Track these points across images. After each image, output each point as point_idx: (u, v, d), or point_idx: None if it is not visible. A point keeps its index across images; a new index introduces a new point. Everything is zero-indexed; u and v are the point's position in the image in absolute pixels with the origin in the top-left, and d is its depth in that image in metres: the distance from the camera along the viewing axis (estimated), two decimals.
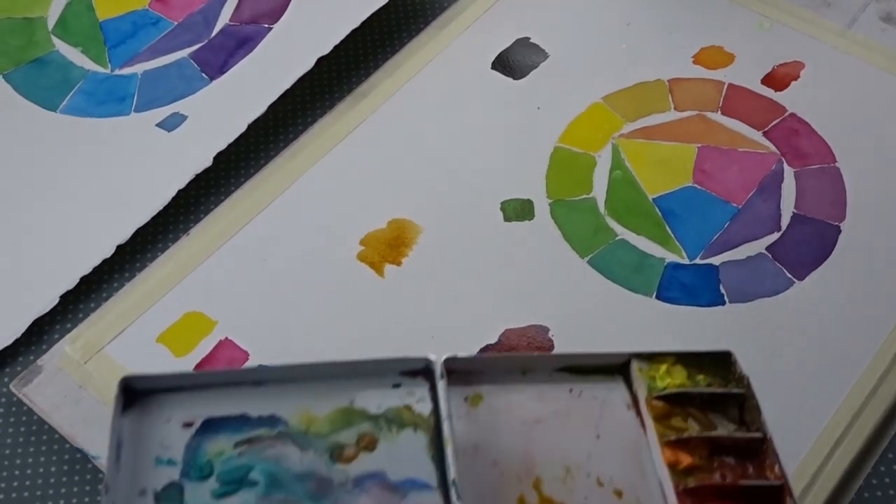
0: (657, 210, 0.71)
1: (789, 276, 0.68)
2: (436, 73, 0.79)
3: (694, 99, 0.77)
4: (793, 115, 0.77)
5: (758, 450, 0.53)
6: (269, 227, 0.71)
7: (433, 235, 0.70)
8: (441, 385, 0.52)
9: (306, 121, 0.78)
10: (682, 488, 0.51)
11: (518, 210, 0.71)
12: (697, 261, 0.69)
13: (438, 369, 0.52)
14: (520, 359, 0.56)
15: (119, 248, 0.69)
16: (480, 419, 0.53)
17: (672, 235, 0.70)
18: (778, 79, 0.78)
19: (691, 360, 0.55)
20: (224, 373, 0.55)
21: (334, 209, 0.72)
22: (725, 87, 0.78)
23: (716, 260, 0.69)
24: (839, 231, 0.70)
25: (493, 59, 0.80)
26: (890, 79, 0.77)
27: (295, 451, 0.50)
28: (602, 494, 0.52)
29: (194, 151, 0.72)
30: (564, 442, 0.53)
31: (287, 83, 0.75)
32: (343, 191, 0.72)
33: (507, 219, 0.71)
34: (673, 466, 0.52)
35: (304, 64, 0.76)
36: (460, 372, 0.54)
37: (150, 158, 0.73)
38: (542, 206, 0.71)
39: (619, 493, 0.52)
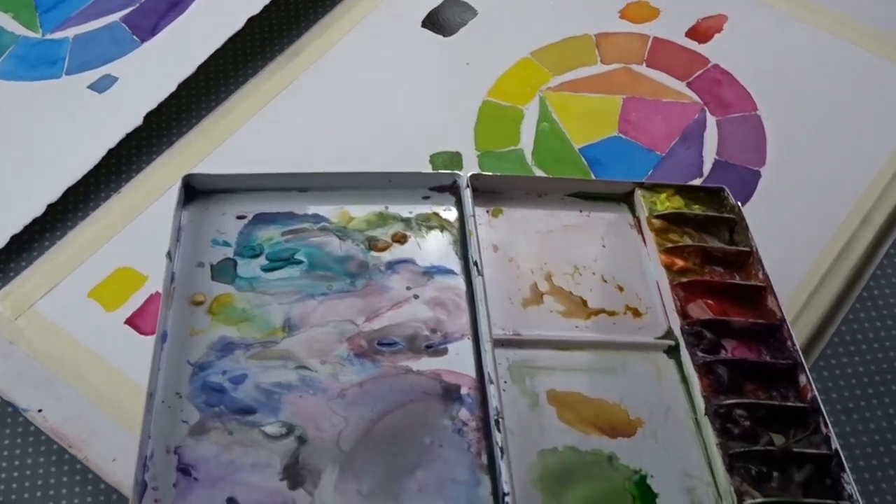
0: (583, 160, 0.73)
1: None
2: (367, 32, 0.80)
3: (620, 52, 0.79)
4: (716, 66, 0.79)
5: (745, 263, 0.58)
6: None
7: None
8: (467, 194, 0.59)
9: (238, 80, 0.78)
10: (676, 283, 0.56)
11: (447, 162, 0.72)
12: None
13: (464, 183, 0.59)
14: (537, 180, 0.64)
15: (50, 207, 0.69)
16: (500, 226, 0.60)
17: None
18: (701, 31, 0.81)
19: (689, 192, 0.62)
20: (274, 176, 0.60)
21: (265, 167, 0.72)
22: (650, 40, 0.80)
23: None
24: (759, 176, 0.72)
25: (423, 17, 0.82)
26: (809, 29, 0.79)
27: (335, 241, 0.58)
28: (605, 288, 0.58)
29: (125, 112, 0.73)
30: (573, 248, 0.59)
31: (217, 43, 0.76)
32: (274, 149, 0.73)
33: (435, 169, 0.72)
34: (669, 267, 0.58)
35: (234, 24, 0.77)
36: (483, 190, 0.61)
37: (82, 119, 0.74)
38: (470, 158, 0.73)
39: (620, 288, 0.58)
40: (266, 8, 0.79)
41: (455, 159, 0.72)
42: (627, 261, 0.59)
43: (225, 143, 0.73)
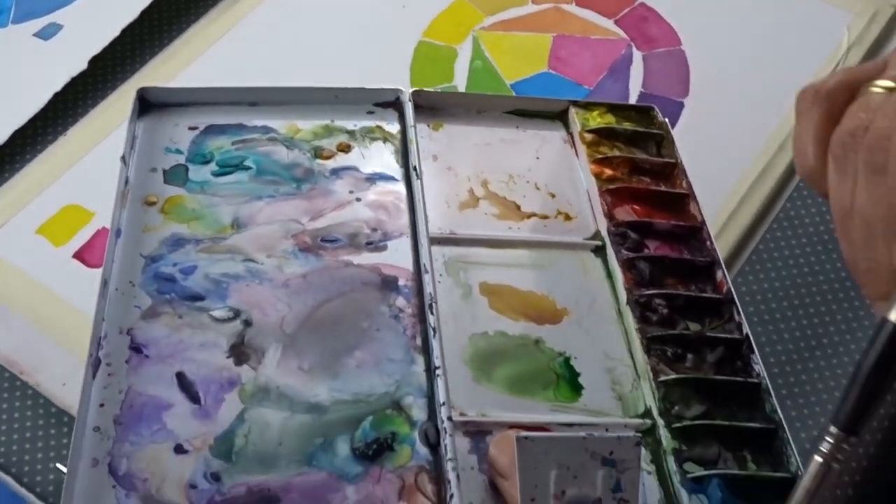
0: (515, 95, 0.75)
1: None
2: None
3: None
4: (642, 3, 0.82)
5: (671, 174, 0.63)
6: None
7: None
8: (409, 108, 0.63)
9: (180, 26, 0.80)
10: (605, 189, 0.60)
11: None
12: None
13: (407, 97, 0.63)
14: (476, 97, 0.67)
15: None
16: (440, 139, 0.64)
17: None
18: None
19: (620, 110, 0.66)
20: (226, 90, 0.64)
21: None
22: None
23: None
24: (683, 106, 0.75)
25: None
26: None
27: (283, 150, 0.62)
28: (538, 194, 0.62)
29: (70, 58, 0.75)
30: (509, 159, 0.63)
31: None
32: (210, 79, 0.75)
33: None
34: (598, 176, 0.62)
35: None
36: (425, 107, 0.65)
37: (28, 66, 0.76)
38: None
39: (552, 195, 0.62)
40: None
41: None
42: (560, 171, 0.63)
43: (167, 86, 0.75)
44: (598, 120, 0.65)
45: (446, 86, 0.75)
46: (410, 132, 0.62)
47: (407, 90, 0.64)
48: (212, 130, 0.63)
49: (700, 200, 0.61)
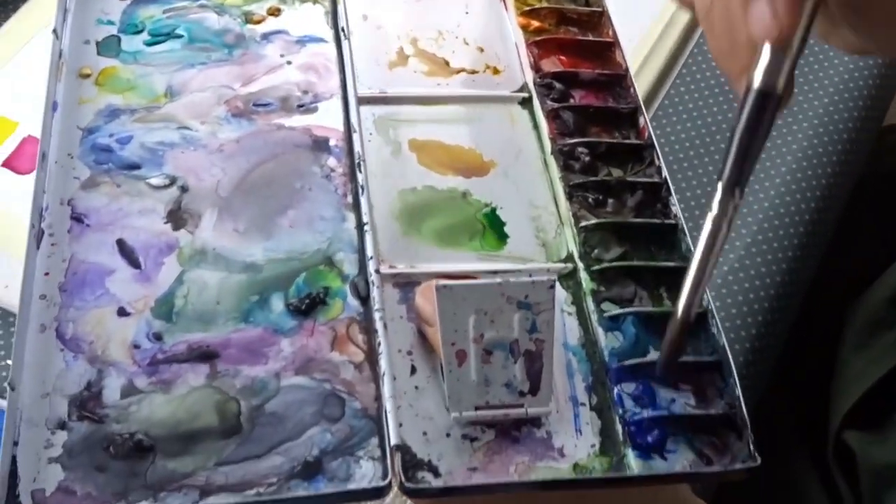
0: None
1: None
2: None
3: None
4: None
5: (597, 23, 0.66)
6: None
7: None
8: None
9: None
10: (532, 41, 0.64)
11: None
12: None
13: None
14: None
15: None
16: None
17: None
18: None
19: None
20: None
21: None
22: None
23: None
24: None
25: None
26: None
27: (213, 16, 0.65)
28: (467, 50, 0.65)
29: None
30: (439, 15, 0.67)
31: None
32: None
33: None
34: (525, 28, 0.65)
35: None
36: None
37: None
38: None
39: (481, 49, 0.66)
40: None
41: None
42: (489, 25, 0.66)
43: None
44: None
45: None
46: None
47: None
48: (142, 0, 0.65)
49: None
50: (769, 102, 0.41)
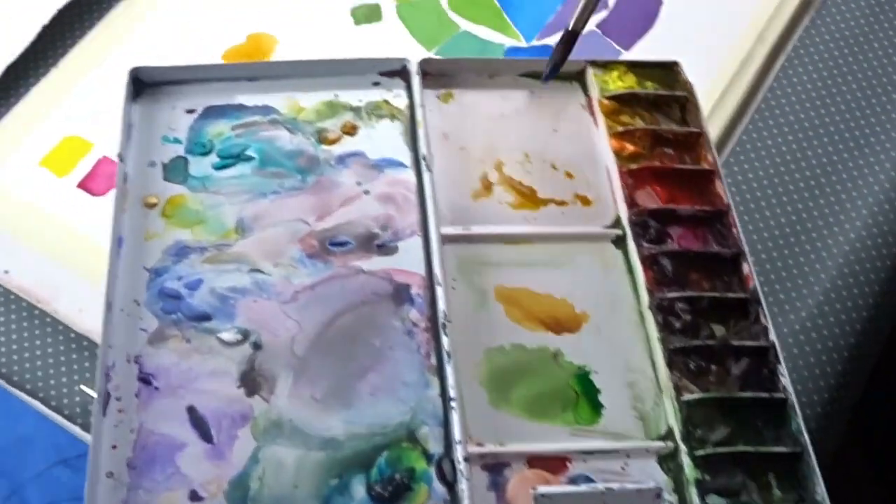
0: (495, 0, 0.77)
1: (617, 47, 0.74)
2: None
3: None
4: None
5: (695, 143, 0.62)
6: (134, 49, 0.75)
7: (289, 45, 0.75)
8: (416, 80, 0.63)
9: None
10: (625, 170, 0.60)
11: (367, 14, 0.76)
12: (534, 42, 0.75)
13: (414, 68, 0.63)
14: (488, 62, 0.66)
15: None
16: (451, 113, 0.63)
17: (510, 22, 0.76)
18: None
19: (641, 69, 0.65)
20: (222, 67, 0.64)
21: (196, 29, 0.76)
22: None
23: (550, 40, 0.75)
24: (660, 3, 0.76)
25: None
26: None
27: (285, 134, 0.61)
28: (555, 175, 0.62)
29: None
30: (524, 133, 0.63)
31: None
32: (203, 11, 0.77)
33: (357, 23, 0.76)
34: (619, 153, 0.61)
35: None
36: (434, 74, 0.64)
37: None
38: (388, 8, 0.77)
39: (570, 175, 0.62)
40: None
41: (374, 10, 0.77)
42: (578, 145, 0.63)
43: (155, 10, 0.77)
44: (617, 83, 0.64)
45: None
46: (418, 113, 0.61)
47: (414, 58, 0.64)
48: (210, 113, 0.62)
49: None
50: None
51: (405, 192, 0.60)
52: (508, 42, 0.76)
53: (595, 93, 0.64)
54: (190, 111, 0.62)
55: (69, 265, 0.65)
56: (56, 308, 0.64)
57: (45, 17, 0.75)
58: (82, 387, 0.61)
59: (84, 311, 0.63)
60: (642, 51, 0.74)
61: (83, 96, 0.73)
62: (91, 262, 0.64)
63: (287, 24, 0.76)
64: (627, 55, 0.73)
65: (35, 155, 0.71)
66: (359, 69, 0.64)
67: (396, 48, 0.74)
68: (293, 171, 0.61)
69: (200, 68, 0.63)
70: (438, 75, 0.64)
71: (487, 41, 0.76)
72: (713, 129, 0.68)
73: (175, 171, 0.61)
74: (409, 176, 0.60)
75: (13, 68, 0.74)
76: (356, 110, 0.63)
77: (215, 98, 0.63)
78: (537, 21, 0.77)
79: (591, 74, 0.64)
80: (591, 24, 0.76)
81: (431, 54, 0.74)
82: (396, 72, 0.64)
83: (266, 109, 0.63)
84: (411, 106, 0.63)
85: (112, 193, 0.60)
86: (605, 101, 0.63)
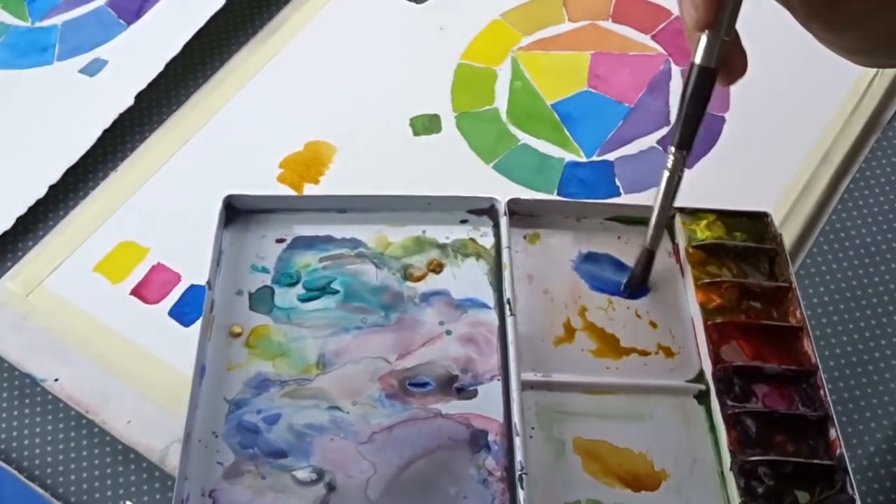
0: (555, 115, 0.79)
1: None
2: (344, 3, 0.86)
3: (586, 9, 0.85)
4: (678, 17, 0.82)
5: (783, 298, 0.61)
6: (192, 157, 0.77)
7: (347, 154, 0.77)
8: (504, 221, 0.63)
9: (222, 57, 0.84)
10: (710, 323, 0.60)
11: (426, 125, 0.79)
12: (594, 158, 0.77)
13: (502, 208, 0.63)
14: (576, 205, 0.66)
15: (51, 188, 0.75)
16: (537, 254, 0.63)
17: (570, 137, 0.78)
18: None
19: (731, 218, 0.65)
20: (313, 198, 0.65)
21: (253, 136, 0.78)
22: None
23: (611, 156, 0.77)
24: (724, 121, 0.78)
25: None
26: None
27: (371, 269, 0.62)
28: (639, 324, 0.62)
29: (116, 93, 0.79)
30: (609, 280, 0.63)
31: (200, 22, 0.82)
32: (261, 119, 0.79)
33: (416, 133, 0.78)
34: (704, 305, 0.61)
35: (216, 2, 0.83)
36: (522, 214, 0.65)
37: (75, 103, 0.80)
38: (448, 120, 0.79)
39: (653, 325, 0.62)
40: None
41: (434, 121, 0.79)
42: (663, 293, 0.63)
43: (214, 117, 0.80)
44: (706, 233, 0.64)
45: (488, 108, 0.80)
46: (505, 255, 0.62)
47: (503, 199, 0.64)
48: (299, 244, 0.64)
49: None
50: (707, 74, 0.54)
51: (487, 334, 0.60)
52: (568, 157, 0.77)
53: (683, 241, 0.64)
54: (280, 240, 0.64)
55: (119, 375, 0.66)
56: (104, 419, 0.65)
57: (106, 121, 0.78)
58: (128, 502, 0.61)
59: (133, 423, 0.64)
60: (705, 169, 0.75)
61: (140, 202, 0.75)
62: (142, 373, 0.65)
63: (345, 132, 0.78)
64: (689, 173, 0.73)
65: (90, 260, 0.72)
66: (448, 206, 0.65)
67: (455, 159, 0.77)
68: (377, 307, 0.61)
69: (292, 199, 0.66)
70: (526, 215, 0.65)
71: (547, 155, 0.77)
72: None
73: (261, 300, 0.62)
74: (492, 318, 0.61)
75: (72, 171, 0.76)
76: (443, 247, 0.64)
77: (305, 228, 0.64)
78: (597, 136, 0.78)
79: (680, 222, 0.65)
80: (652, 141, 0.78)
81: (490, 167, 0.76)
82: (484, 210, 0.65)
83: (354, 242, 0.64)
84: (497, 246, 0.63)
85: (163, 306, 0.64)
86: (693, 251, 0.63)
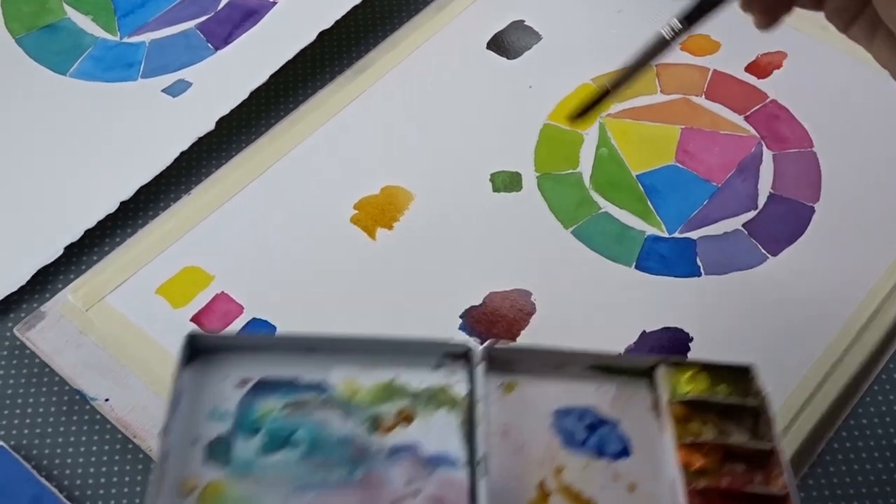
0: (640, 186, 0.82)
1: (764, 251, 0.78)
2: (433, 51, 0.89)
3: (680, 83, 0.88)
4: (773, 101, 0.87)
5: (767, 460, 0.60)
6: (267, 189, 0.80)
7: (424, 202, 0.80)
8: (479, 370, 0.60)
9: (306, 92, 0.88)
10: (693, 488, 0.59)
11: (507, 182, 0.82)
12: (676, 234, 0.78)
13: (478, 356, 0.60)
14: (556, 353, 0.63)
15: (123, 204, 0.78)
16: (512, 405, 0.61)
17: (653, 210, 0.80)
18: (761, 67, 0.89)
19: (714, 370, 0.63)
20: (280, 338, 0.62)
21: (330, 175, 0.81)
22: (710, 73, 0.88)
23: (694, 234, 0.79)
24: (813, 211, 0.80)
25: (488, 39, 0.91)
26: (865, 69, 0.83)
27: (338, 418, 0.59)
28: (617, 487, 0.60)
29: (197, 116, 0.82)
30: (588, 437, 0.62)
31: (289, 55, 0.85)
32: (339, 158, 0.82)
33: (495, 189, 0.81)
34: (686, 467, 0.59)
35: (306, 37, 0.86)
36: (499, 359, 0.61)
37: (155, 121, 0.83)
38: (529, 179, 0.82)
39: (632, 487, 0.60)
40: (337, 23, 0.88)
41: (515, 178, 0.82)
42: (643, 453, 0.62)
43: (292, 151, 0.83)
44: (689, 386, 0.64)
45: (571, 171, 0.82)
46: (479, 409, 0.60)
47: (477, 347, 0.63)
48: (263, 388, 0.61)
49: (825, 316, 0.67)
50: None
51: (456, 498, 0.59)
52: (649, 230, 0.79)
53: (665, 395, 0.63)
54: (242, 383, 0.62)
55: None
56: (151, 446, 0.66)
57: (184, 143, 0.81)
58: None
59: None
60: (791, 258, 0.77)
61: (210, 228, 0.78)
62: None
63: (423, 180, 0.81)
64: (774, 261, 0.77)
65: (154, 281, 0.74)
66: (422, 350, 0.63)
67: (533, 220, 0.79)
68: (342, 462, 0.60)
69: (258, 337, 0.64)
70: (503, 361, 0.64)
71: (628, 226, 0.80)
72: (852, 364, 0.71)
73: (218, 451, 0.60)
74: (462, 478, 0.59)
75: (145, 189, 0.79)
76: (414, 396, 0.62)
77: (270, 368, 0.62)
78: (681, 213, 0.80)
79: (662, 374, 0.64)
80: (738, 224, 0.80)
81: (569, 231, 0.78)
82: (460, 355, 0.64)
83: (321, 387, 0.62)
84: (471, 398, 0.62)
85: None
86: (675, 406, 0.63)
